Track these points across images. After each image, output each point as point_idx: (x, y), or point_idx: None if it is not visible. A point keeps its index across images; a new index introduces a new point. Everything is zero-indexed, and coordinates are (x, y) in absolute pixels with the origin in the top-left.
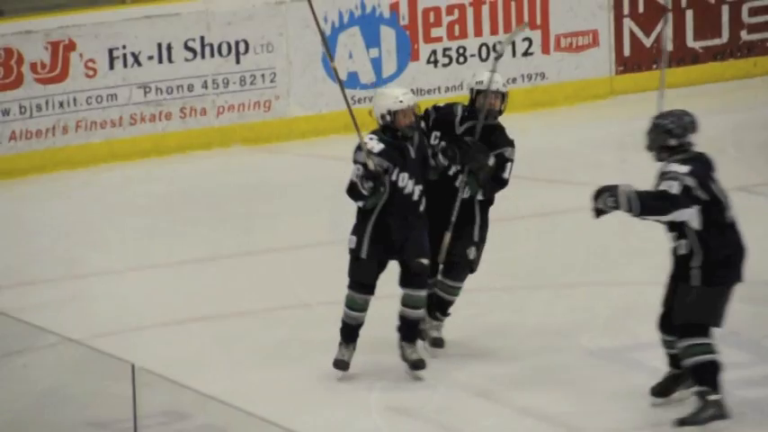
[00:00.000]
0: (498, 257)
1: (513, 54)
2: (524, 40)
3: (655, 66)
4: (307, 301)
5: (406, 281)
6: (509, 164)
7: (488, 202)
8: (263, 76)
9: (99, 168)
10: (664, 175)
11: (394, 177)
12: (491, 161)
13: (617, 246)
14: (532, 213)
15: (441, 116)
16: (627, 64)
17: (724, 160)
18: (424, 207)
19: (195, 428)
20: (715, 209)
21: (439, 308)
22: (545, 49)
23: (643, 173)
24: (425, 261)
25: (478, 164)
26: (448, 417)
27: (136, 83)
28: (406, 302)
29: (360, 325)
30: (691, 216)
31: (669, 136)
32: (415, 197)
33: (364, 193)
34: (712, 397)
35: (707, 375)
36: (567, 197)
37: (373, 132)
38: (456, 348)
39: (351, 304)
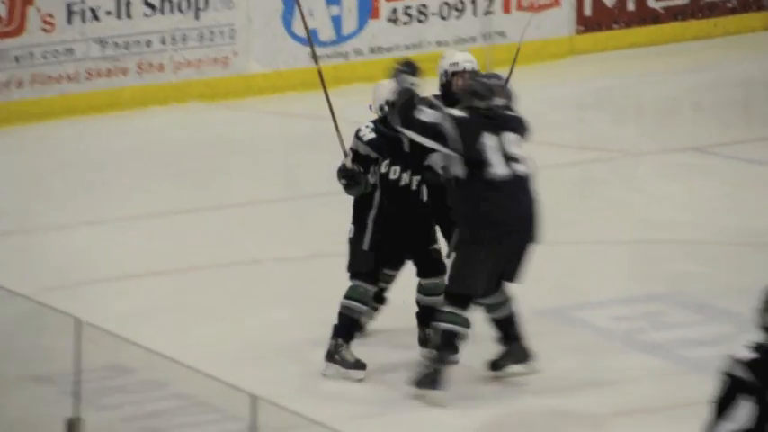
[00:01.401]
0: None
1: (474, 13)
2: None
3: (615, 26)
4: (257, 258)
5: (421, 271)
6: None
7: None
8: (221, 32)
9: (54, 123)
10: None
11: (384, 169)
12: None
13: (568, 205)
14: None
15: None
16: (587, 24)
17: (682, 120)
18: (428, 197)
19: (139, 383)
20: (478, 166)
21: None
22: (506, 9)
23: (601, 132)
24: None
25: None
26: (391, 375)
27: (93, 37)
28: (425, 291)
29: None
30: (448, 160)
31: (475, 98)
32: (413, 187)
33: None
34: (438, 366)
35: (447, 344)
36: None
37: (372, 122)
38: (404, 307)
39: (351, 294)
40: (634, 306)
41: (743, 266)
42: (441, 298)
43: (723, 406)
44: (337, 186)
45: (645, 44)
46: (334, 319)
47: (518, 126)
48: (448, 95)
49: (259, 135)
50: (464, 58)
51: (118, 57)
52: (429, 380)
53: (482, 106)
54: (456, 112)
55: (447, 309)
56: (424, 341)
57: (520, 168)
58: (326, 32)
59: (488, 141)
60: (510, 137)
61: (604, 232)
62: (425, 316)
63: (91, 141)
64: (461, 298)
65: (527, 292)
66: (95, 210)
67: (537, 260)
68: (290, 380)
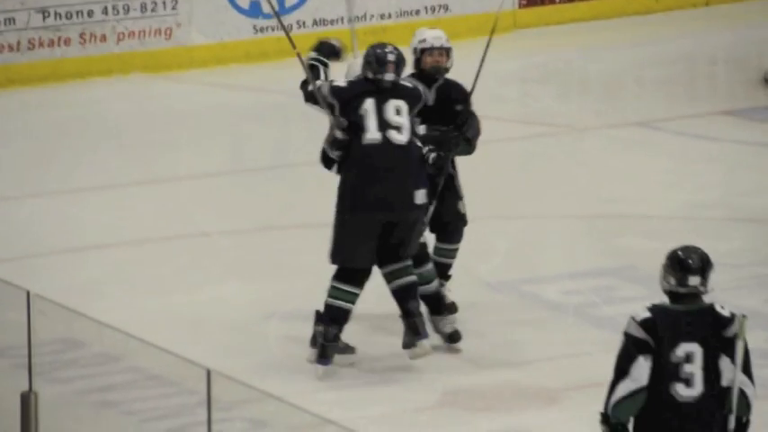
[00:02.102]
0: None
1: None
2: None
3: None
4: (205, 230)
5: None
6: (472, 106)
7: None
8: (164, 2)
9: None
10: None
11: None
12: (470, 133)
13: (514, 180)
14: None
15: None
16: None
17: (626, 95)
18: None
19: (91, 356)
20: (356, 131)
21: (441, 274)
22: None
23: (546, 107)
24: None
25: (475, 131)
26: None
27: (35, 7)
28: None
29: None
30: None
31: (368, 68)
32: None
33: None
34: (321, 340)
35: (329, 319)
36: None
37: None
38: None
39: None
40: (584, 280)
41: (690, 240)
42: (436, 282)
43: (623, 365)
44: (283, 158)
45: (587, 19)
46: (286, 291)
47: (407, 95)
48: (419, 72)
49: (203, 107)
50: (432, 35)
51: (59, 27)
52: (316, 354)
53: (370, 77)
54: (339, 82)
55: (332, 283)
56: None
57: (395, 136)
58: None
59: (368, 107)
60: (394, 104)
61: (551, 207)
62: (432, 304)
63: (33, 112)
64: (345, 272)
65: (477, 266)
66: (40, 182)
67: (486, 234)
68: (244, 353)
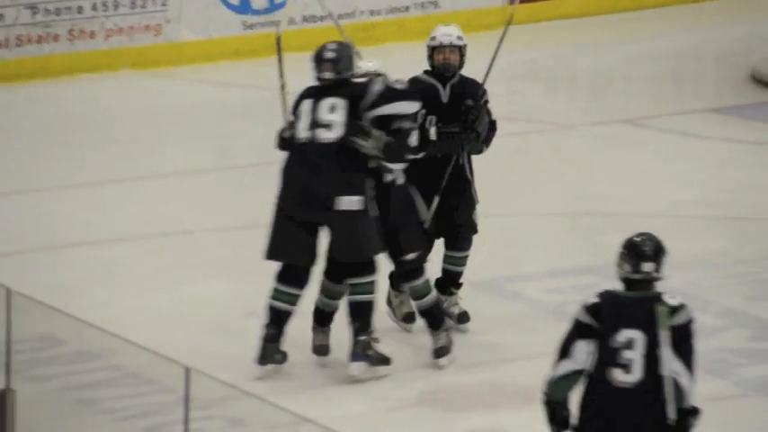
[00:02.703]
0: None
1: None
2: None
3: None
4: (189, 228)
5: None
6: (489, 104)
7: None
8: None
9: None
10: None
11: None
12: (481, 127)
13: (500, 177)
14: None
15: (422, 93)
16: None
17: (614, 92)
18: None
19: (71, 354)
20: (293, 132)
21: (452, 282)
22: None
23: (533, 103)
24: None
25: (485, 126)
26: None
27: (24, 3)
28: (411, 296)
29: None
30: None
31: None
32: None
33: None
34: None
35: (269, 319)
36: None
37: None
38: None
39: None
40: (566, 278)
41: (674, 238)
42: (433, 295)
43: (566, 347)
44: (270, 155)
45: (577, 15)
46: (268, 290)
47: (347, 93)
48: (432, 70)
49: (191, 104)
50: (442, 33)
51: (48, 23)
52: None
53: (315, 75)
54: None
55: (273, 284)
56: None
57: (322, 134)
58: (259, 1)
59: (304, 107)
60: (329, 102)
61: (537, 204)
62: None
63: (21, 108)
64: (283, 272)
65: None
66: (26, 178)
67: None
68: (224, 351)
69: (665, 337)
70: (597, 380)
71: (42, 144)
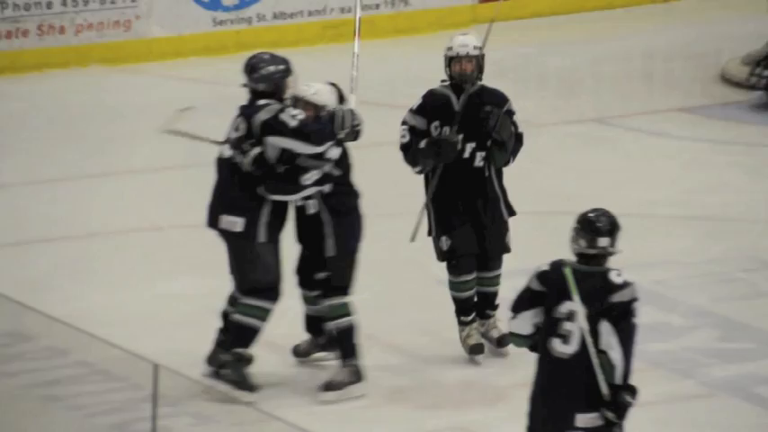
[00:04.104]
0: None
1: None
2: None
3: None
4: (158, 225)
5: None
6: (516, 116)
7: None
8: None
9: None
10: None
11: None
12: (504, 134)
13: None
14: (390, 141)
15: (433, 104)
16: None
17: (583, 91)
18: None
19: (39, 350)
20: None
21: (487, 305)
22: None
23: None
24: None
25: (507, 133)
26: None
27: None
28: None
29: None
30: None
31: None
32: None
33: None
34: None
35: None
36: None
37: None
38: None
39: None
40: None
41: (644, 238)
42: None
43: (515, 307)
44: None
45: (546, 14)
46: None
47: (246, 110)
48: (450, 80)
49: (161, 100)
50: (458, 43)
51: (18, 18)
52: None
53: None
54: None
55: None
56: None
57: (224, 151)
58: None
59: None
60: (238, 120)
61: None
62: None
63: None
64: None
65: (429, 263)
66: None
67: None
68: (192, 348)
69: (576, 298)
70: (541, 348)
71: (11, 139)
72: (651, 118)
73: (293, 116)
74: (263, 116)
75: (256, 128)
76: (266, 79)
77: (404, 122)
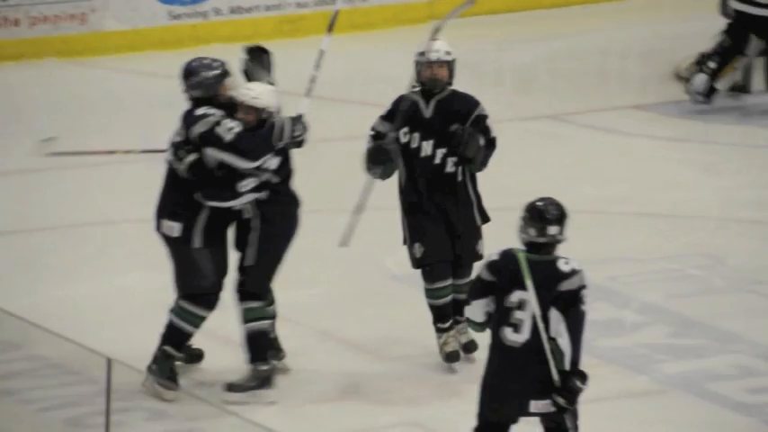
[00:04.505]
0: (306, 180)
1: None
2: None
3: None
4: (112, 219)
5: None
6: (488, 120)
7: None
8: None
9: None
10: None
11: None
12: (481, 141)
13: None
14: (344, 136)
15: (401, 110)
16: None
17: (539, 88)
18: None
19: None
20: None
21: (457, 310)
22: None
23: None
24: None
25: (475, 149)
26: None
27: None
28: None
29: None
30: None
31: None
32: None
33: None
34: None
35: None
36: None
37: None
38: None
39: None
40: None
41: (599, 235)
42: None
43: (470, 296)
44: None
45: (503, 11)
46: None
47: (186, 118)
48: (421, 85)
49: (116, 93)
50: (429, 48)
51: None
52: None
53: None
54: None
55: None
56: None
57: (167, 156)
58: None
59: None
60: (179, 127)
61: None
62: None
63: None
64: None
65: (383, 257)
66: None
67: (392, 225)
68: (146, 342)
69: (530, 285)
70: (494, 337)
71: None
72: (606, 115)
73: (229, 129)
74: (199, 128)
75: (194, 138)
76: (200, 86)
77: (372, 128)
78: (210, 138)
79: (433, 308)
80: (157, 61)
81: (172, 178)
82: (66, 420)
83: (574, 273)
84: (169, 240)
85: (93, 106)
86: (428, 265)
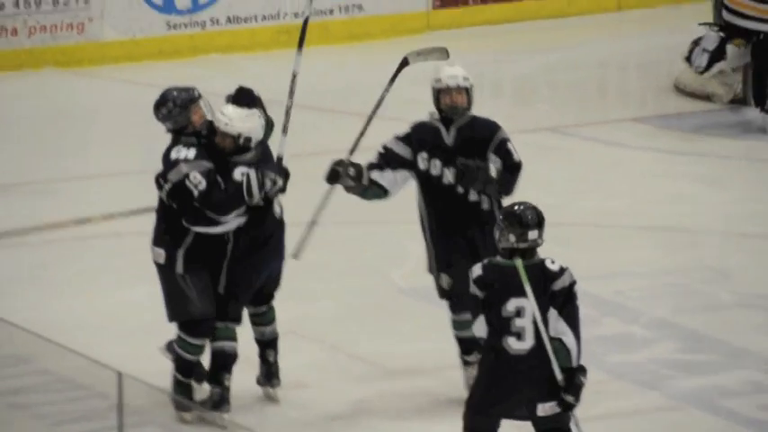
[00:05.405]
0: (310, 193)
1: None
2: None
3: (471, 2)
4: (118, 231)
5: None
6: (510, 144)
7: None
8: None
9: None
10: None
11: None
12: (493, 171)
13: None
14: (345, 148)
15: (421, 136)
16: None
17: (538, 100)
18: None
19: (0, 358)
20: None
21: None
22: None
23: None
24: None
25: (482, 183)
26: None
27: None
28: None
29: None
30: None
31: None
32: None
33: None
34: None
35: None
36: (376, 132)
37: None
38: None
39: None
40: None
41: (603, 248)
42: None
43: (473, 315)
44: None
45: (500, 21)
46: None
47: (165, 153)
48: (439, 113)
49: (114, 103)
50: (447, 75)
51: None
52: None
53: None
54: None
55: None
56: None
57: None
58: (183, 1)
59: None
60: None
61: None
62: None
63: None
64: None
65: (390, 271)
66: None
67: (399, 239)
68: (157, 357)
69: (529, 290)
70: (494, 349)
71: None
72: (606, 128)
73: (197, 185)
74: (172, 177)
75: (170, 183)
76: (168, 118)
77: (383, 146)
78: (182, 189)
79: (460, 340)
80: (155, 71)
81: (160, 205)
82: None
83: (562, 271)
84: (157, 267)
85: (91, 116)
86: (455, 297)
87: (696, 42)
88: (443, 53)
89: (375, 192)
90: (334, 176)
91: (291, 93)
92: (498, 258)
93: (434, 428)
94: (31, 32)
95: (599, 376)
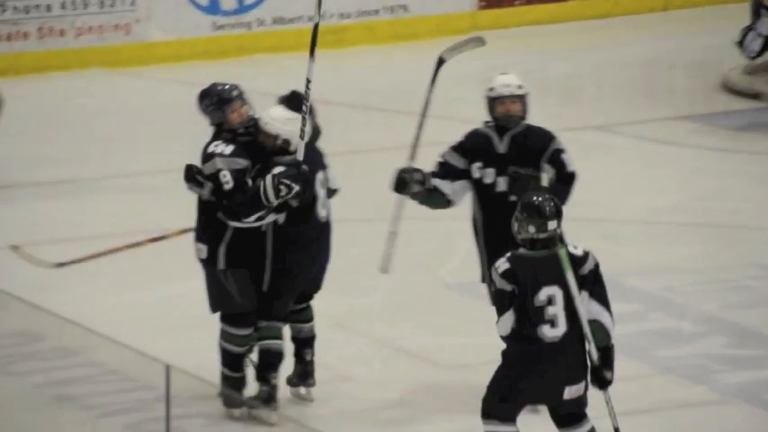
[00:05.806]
0: (358, 190)
1: None
2: None
3: (517, 2)
4: (166, 227)
5: None
6: (565, 154)
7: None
8: None
9: None
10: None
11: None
12: (545, 181)
13: None
14: (393, 146)
15: (474, 145)
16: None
17: (585, 99)
18: None
19: (49, 350)
20: None
21: None
22: None
23: None
24: None
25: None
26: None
27: None
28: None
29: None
30: None
31: None
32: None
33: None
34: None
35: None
36: (426, 130)
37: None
38: None
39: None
40: None
41: (652, 245)
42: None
43: (499, 310)
44: None
45: (546, 21)
46: None
47: (204, 150)
48: (494, 121)
49: (161, 103)
50: (501, 83)
51: (18, 21)
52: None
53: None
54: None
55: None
56: None
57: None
58: (228, 2)
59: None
60: None
61: None
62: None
63: None
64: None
65: (437, 267)
66: (2, 175)
67: (446, 235)
68: (203, 349)
69: (571, 278)
70: (528, 338)
71: (15, 141)
72: (654, 126)
73: (224, 183)
74: (207, 170)
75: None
76: (206, 113)
77: (441, 156)
78: (215, 182)
79: None
80: (202, 71)
81: (199, 201)
82: (126, 426)
83: (587, 255)
84: (201, 262)
85: (139, 116)
86: None
87: (750, 27)
88: (478, 41)
89: (438, 200)
90: (401, 185)
91: (306, 98)
92: (522, 250)
93: (479, 422)
94: (79, 33)
95: (646, 370)
